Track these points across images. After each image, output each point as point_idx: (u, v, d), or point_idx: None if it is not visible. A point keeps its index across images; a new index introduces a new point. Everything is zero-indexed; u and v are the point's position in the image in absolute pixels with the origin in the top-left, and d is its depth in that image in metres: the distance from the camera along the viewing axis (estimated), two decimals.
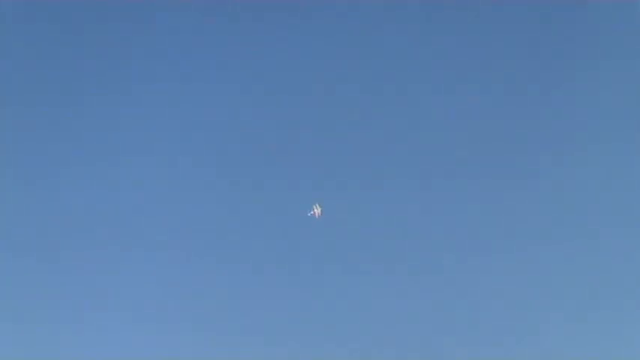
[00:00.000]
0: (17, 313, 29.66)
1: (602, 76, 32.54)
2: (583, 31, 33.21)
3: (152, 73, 34.07)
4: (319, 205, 29.97)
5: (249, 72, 33.90)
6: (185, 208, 32.04)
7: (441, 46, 33.52)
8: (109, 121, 33.32)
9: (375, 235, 31.19)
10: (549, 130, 32.29)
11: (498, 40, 33.53)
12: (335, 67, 33.67)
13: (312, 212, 30.06)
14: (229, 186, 32.38)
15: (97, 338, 29.49)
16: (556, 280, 30.00)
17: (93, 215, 31.73)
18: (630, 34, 32.57)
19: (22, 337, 29.22)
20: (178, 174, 32.67)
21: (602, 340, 28.65)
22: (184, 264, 30.97)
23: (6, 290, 29.96)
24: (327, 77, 33.57)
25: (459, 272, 30.44)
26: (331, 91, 33.35)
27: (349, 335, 29.50)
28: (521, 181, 31.68)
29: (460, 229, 31.15)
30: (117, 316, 29.96)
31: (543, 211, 31.14)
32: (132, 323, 29.91)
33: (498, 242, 30.85)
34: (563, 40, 33.15)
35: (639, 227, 30.37)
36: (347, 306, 30.08)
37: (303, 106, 33.29)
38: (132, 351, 29.12)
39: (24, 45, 33.90)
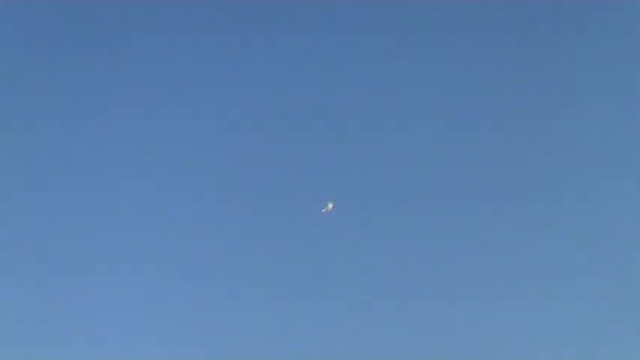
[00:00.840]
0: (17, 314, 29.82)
1: (602, 76, 32.64)
2: (583, 32, 33.33)
3: (152, 74, 34.26)
4: (331, 203, 30.02)
5: (250, 73, 34.15)
6: (182, 209, 32.19)
7: (446, 51, 33.71)
8: (110, 121, 33.46)
9: (375, 239, 31.30)
10: (550, 131, 32.38)
11: (498, 42, 33.72)
12: (337, 69, 33.86)
13: (324, 209, 30.10)
14: (228, 186, 32.49)
15: (96, 340, 29.58)
16: (558, 284, 30.07)
17: (94, 215, 31.84)
18: (630, 34, 32.70)
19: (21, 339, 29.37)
20: (177, 174, 32.81)
21: (601, 341, 28.73)
22: (182, 266, 31.07)
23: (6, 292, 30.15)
24: (328, 78, 33.78)
25: (460, 276, 30.48)
26: (333, 93, 33.54)
27: (348, 337, 29.56)
28: (523, 182, 31.76)
29: (461, 234, 31.21)
30: (117, 319, 30.03)
31: (544, 213, 31.23)
32: (135, 324, 30.02)
33: (499, 244, 30.97)
34: (563, 41, 33.30)
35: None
36: (347, 309, 30.15)
37: (302, 108, 33.46)
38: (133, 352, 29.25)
39: (24, 45, 34.06)
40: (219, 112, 33.68)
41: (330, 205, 29.91)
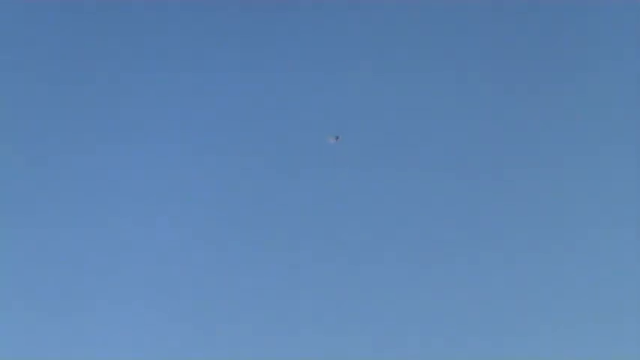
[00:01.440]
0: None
1: (602, 77, 32.67)
2: (583, 31, 33.36)
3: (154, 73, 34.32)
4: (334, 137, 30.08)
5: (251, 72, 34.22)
6: (184, 207, 32.25)
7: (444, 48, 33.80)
8: (112, 120, 33.55)
9: (377, 231, 31.35)
10: (549, 131, 32.41)
11: (496, 41, 33.76)
12: (339, 66, 33.92)
13: (331, 139, 30.12)
14: (231, 183, 32.58)
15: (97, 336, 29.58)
16: (556, 281, 30.07)
17: (94, 213, 31.88)
18: (630, 34, 32.74)
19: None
20: (179, 170, 32.87)
21: (600, 340, 28.71)
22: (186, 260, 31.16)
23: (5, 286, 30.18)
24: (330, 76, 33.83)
25: (460, 269, 30.51)
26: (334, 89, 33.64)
27: (351, 333, 29.56)
28: (522, 180, 31.81)
29: (461, 226, 31.27)
30: (120, 312, 30.12)
31: (543, 211, 31.25)
32: (138, 321, 30.06)
33: (499, 240, 30.96)
34: (563, 40, 33.34)
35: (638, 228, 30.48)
36: (349, 302, 30.17)
37: (304, 103, 33.52)
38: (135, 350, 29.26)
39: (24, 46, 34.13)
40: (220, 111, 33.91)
41: (333, 139, 29.99)
